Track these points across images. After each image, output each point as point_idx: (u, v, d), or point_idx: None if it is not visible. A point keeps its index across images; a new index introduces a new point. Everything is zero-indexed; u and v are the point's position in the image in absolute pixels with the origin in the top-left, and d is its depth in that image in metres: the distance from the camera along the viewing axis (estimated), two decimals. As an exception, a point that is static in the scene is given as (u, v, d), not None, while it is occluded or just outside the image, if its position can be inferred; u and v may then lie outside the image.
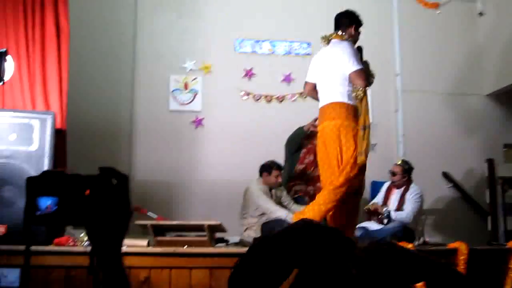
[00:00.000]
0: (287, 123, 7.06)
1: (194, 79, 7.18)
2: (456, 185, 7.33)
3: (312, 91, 5.03)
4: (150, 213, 5.61)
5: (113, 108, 6.90)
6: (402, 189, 6.23)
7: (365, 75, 4.73)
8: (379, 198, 6.38)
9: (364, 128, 4.64)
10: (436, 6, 5.78)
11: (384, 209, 6.15)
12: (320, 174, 4.92)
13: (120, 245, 1.48)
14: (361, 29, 4.95)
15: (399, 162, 6.37)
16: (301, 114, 7.19)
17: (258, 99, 7.30)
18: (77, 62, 6.20)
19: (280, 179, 6.12)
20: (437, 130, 7.55)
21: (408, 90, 7.63)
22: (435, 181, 7.05)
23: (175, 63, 7.18)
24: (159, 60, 7.13)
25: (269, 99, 7.33)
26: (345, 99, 4.66)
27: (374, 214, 6.19)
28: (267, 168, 6.15)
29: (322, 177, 4.85)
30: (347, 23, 4.90)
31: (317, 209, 4.58)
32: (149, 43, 7.14)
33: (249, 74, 7.31)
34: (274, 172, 6.10)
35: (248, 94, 7.29)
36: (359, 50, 4.94)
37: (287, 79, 7.39)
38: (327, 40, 4.88)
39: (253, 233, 5.95)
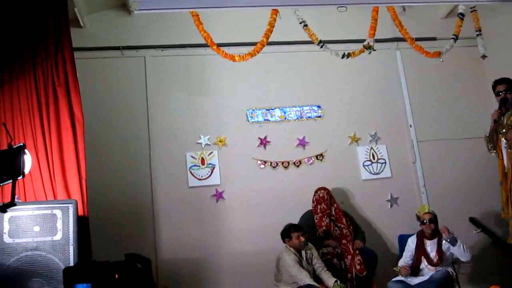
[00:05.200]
0: (307, 186, 7.06)
1: (210, 153, 7.24)
2: (484, 229, 7.20)
3: None
4: (180, 292, 5.57)
5: (133, 190, 6.93)
6: (436, 239, 6.02)
7: None
8: (407, 255, 6.17)
9: None
10: (438, 55, 5.85)
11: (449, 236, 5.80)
12: None
13: None
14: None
15: (428, 210, 6.12)
16: (319, 176, 7.23)
17: (275, 166, 7.33)
18: (94, 148, 6.30)
19: (302, 239, 6.07)
20: (457, 176, 7.52)
21: (423, 140, 7.66)
22: (462, 228, 6.88)
23: (190, 140, 7.26)
24: (174, 139, 7.23)
25: (286, 165, 7.36)
26: None
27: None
28: (286, 234, 6.16)
29: None
30: None
31: None
32: (162, 123, 7.24)
33: (263, 142, 7.37)
34: (294, 234, 6.08)
35: (265, 162, 7.33)
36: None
37: (302, 143, 7.44)
38: None
39: (286, 299, 5.88)
